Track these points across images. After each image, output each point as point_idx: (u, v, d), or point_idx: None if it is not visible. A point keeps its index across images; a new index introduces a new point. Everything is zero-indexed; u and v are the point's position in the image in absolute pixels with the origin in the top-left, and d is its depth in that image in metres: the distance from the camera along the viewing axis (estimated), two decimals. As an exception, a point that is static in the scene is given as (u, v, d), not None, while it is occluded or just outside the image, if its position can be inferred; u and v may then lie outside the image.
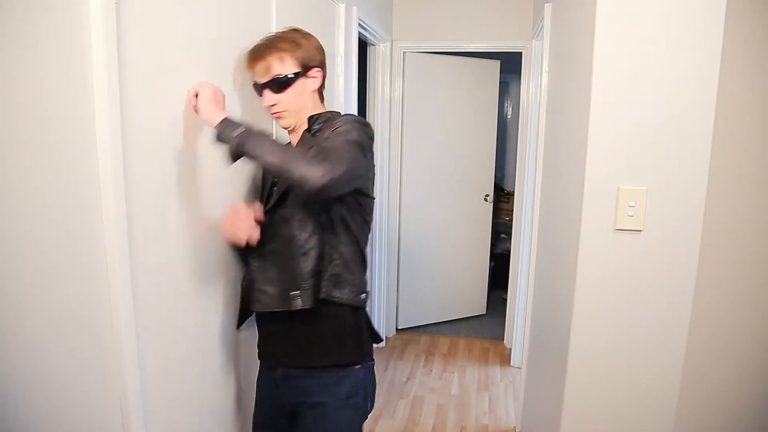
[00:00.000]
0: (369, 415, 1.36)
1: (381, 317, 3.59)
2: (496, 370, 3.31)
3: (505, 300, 3.65)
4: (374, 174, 1.33)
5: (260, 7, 1.44)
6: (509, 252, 3.55)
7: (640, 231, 1.38)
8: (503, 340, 3.69)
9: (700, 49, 1.30)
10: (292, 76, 1.25)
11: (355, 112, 2.55)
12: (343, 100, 2.21)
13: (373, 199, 1.34)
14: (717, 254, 1.43)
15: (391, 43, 3.38)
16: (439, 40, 3.38)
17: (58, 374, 0.82)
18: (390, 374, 3.22)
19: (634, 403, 1.46)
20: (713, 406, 1.51)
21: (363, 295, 1.30)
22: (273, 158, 1.10)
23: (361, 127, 1.21)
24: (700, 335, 1.46)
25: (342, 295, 1.25)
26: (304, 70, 1.27)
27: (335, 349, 1.28)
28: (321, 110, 1.34)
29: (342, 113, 1.33)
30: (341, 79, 2.18)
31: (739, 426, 1.51)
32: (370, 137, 1.24)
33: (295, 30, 1.31)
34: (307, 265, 1.22)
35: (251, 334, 1.49)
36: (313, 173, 1.04)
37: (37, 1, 0.75)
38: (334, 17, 2.12)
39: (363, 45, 3.22)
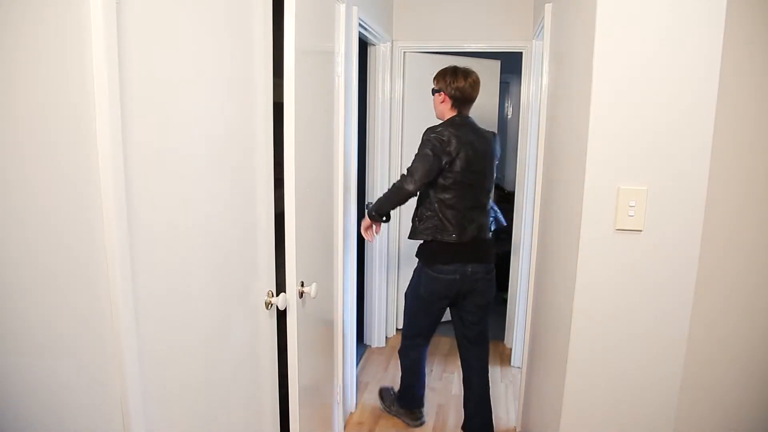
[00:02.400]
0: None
1: (381, 317, 3.59)
2: (496, 370, 3.31)
3: (505, 300, 3.65)
4: (453, 159, 2.22)
5: (261, 7, 1.44)
6: (509, 252, 3.55)
7: (641, 231, 1.38)
8: (503, 340, 3.70)
9: (700, 49, 1.30)
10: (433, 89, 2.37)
11: (356, 112, 2.55)
12: (343, 100, 2.21)
13: (455, 171, 2.24)
14: (717, 254, 1.43)
15: (392, 43, 3.38)
16: (439, 40, 3.38)
17: (58, 375, 0.82)
18: (390, 374, 3.22)
19: (634, 403, 1.46)
20: (713, 406, 1.51)
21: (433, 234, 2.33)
22: (388, 204, 2.37)
23: (427, 140, 2.23)
24: (701, 335, 1.46)
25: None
26: (437, 90, 2.36)
27: None
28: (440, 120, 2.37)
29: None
30: (341, 79, 2.18)
31: (740, 427, 1.51)
32: (439, 141, 2.20)
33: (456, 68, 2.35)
34: None
35: (250, 334, 1.49)
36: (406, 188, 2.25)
37: (36, 1, 0.75)
38: (334, 17, 2.12)
39: (363, 45, 3.22)
